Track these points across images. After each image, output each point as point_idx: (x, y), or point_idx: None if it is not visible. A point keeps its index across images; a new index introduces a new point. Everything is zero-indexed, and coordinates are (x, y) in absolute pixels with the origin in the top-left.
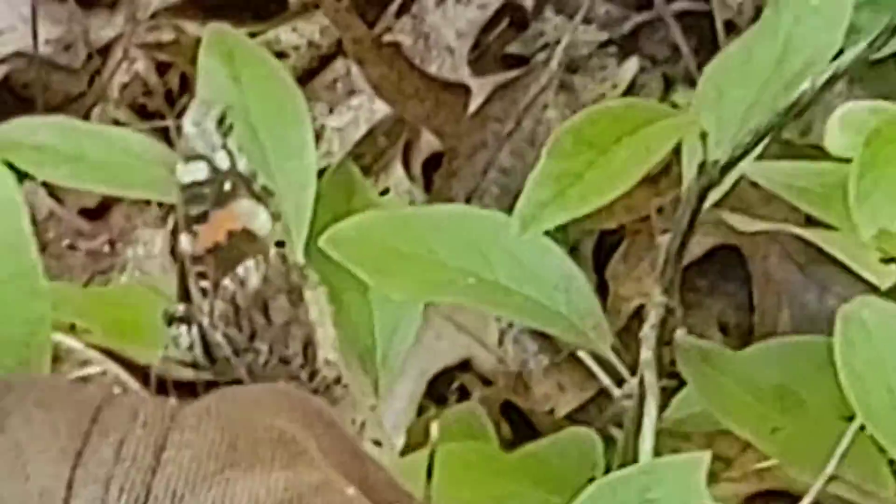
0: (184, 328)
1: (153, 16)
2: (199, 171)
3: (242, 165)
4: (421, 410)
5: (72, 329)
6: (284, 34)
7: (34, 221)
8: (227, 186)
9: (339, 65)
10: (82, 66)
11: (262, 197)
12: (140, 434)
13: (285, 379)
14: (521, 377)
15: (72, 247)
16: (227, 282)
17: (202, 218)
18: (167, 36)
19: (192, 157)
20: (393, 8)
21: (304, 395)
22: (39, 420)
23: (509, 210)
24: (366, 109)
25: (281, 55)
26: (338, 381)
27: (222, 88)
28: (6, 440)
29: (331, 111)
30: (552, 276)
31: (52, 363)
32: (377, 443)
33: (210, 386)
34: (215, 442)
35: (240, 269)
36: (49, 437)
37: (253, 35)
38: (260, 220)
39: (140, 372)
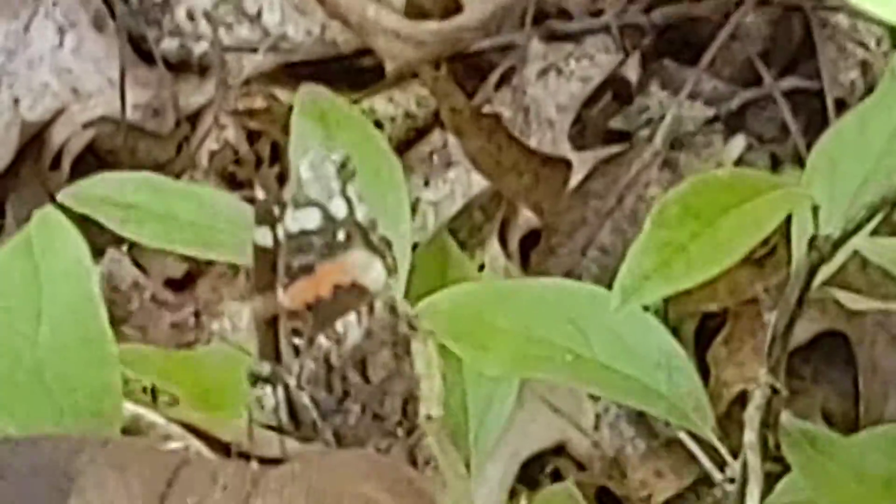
0: (268, 389)
1: (245, 83)
2: (309, 220)
3: (361, 214)
4: (512, 495)
5: (153, 400)
6: (380, 104)
7: (117, 291)
8: (341, 236)
9: (435, 137)
10: (171, 132)
11: (380, 248)
12: (219, 499)
13: (379, 437)
14: (617, 462)
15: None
16: (321, 339)
17: (306, 270)
18: (259, 103)
19: (302, 204)
20: (493, 79)
21: (393, 462)
22: (113, 482)
23: (609, 289)
24: (462, 183)
25: (376, 125)
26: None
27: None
28: (78, 503)
29: (426, 184)
30: (653, 355)
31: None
32: None
33: None
34: None
35: (338, 325)
36: (123, 500)
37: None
38: (374, 274)
39: (224, 449)
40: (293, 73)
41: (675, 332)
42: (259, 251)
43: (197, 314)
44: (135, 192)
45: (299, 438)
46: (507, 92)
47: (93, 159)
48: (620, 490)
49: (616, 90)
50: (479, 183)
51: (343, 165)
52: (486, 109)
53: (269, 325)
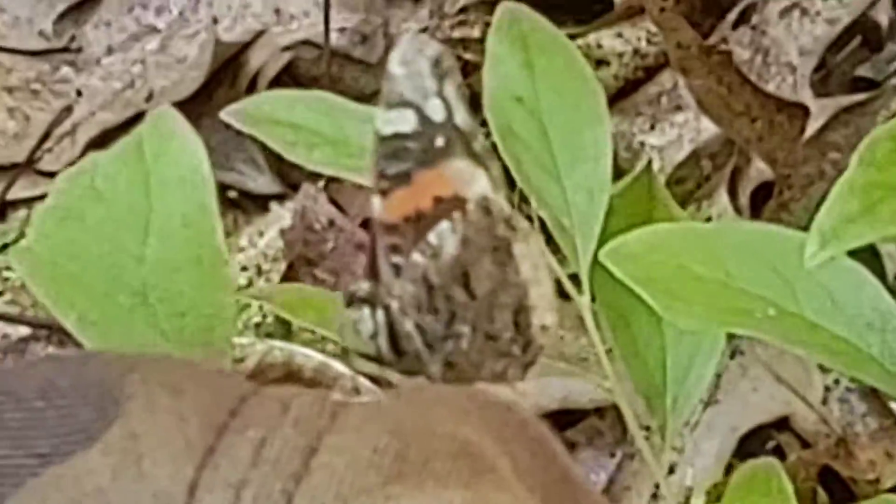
0: (367, 311)
1: (462, 10)
2: (404, 122)
3: (461, 119)
4: (728, 471)
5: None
6: (607, 39)
7: (311, 230)
8: (440, 142)
9: (665, 77)
10: (378, 61)
11: (483, 158)
12: (289, 433)
13: (493, 359)
14: (844, 441)
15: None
16: (416, 256)
17: (403, 179)
18: (475, 33)
19: (397, 104)
20: (731, 17)
21: (506, 402)
22: (165, 406)
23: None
24: (691, 128)
25: (601, 62)
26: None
27: (511, 77)
28: (122, 429)
29: (652, 127)
30: (866, 313)
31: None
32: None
33: None
34: (379, 448)
35: (431, 237)
36: (174, 428)
37: (572, 37)
38: (477, 186)
39: None
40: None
41: None
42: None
43: None
44: (305, 112)
45: (402, 371)
46: (746, 31)
47: (293, 86)
48: (846, 471)
49: (865, 35)
50: (708, 129)
51: (437, 62)
52: (721, 48)
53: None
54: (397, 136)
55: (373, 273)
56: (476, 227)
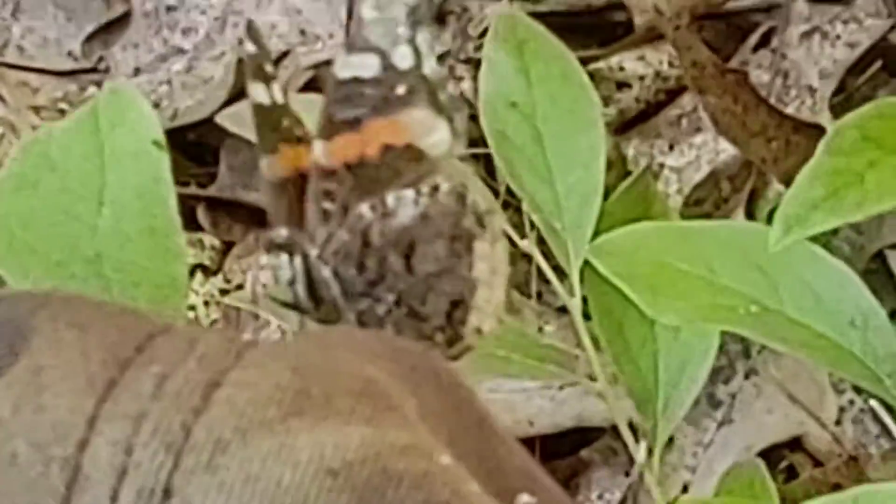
0: (285, 258)
1: (484, 32)
2: (365, 67)
3: (429, 68)
4: None
5: None
6: (629, 62)
7: None
8: (401, 90)
9: (686, 100)
10: None
11: (448, 109)
12: (192, 368)
13: (413, 337)
14: (855, 460)
15: None
16: (364, 209)
17: (352, 124)
18: None
19: (361, 49)
20: (752, 41)
21: (418, 347)
22: (69, 342)
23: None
24: (709, 149)
25: (623, 85)
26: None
27: (507, 82)
28: (26, 364)
29: (670, 148)
30: (848, 311)
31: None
32: None
33: None
34: (282, 384)
35: (390, 199)
36: (77, 362)
37: (594, 59)
38: (436, 137)
39: None
40: (540, 24)
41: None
42: (258, 109)
43: None
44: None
45: (318, 320)
46: (767, 54)
47: None
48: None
49: (885, 58)
50: (726, 150)
51: (414, 9)
52: (737, 68)
53: (283, 189)
54: (355, 81)
55: (294, 220)
56: (443, 211)
